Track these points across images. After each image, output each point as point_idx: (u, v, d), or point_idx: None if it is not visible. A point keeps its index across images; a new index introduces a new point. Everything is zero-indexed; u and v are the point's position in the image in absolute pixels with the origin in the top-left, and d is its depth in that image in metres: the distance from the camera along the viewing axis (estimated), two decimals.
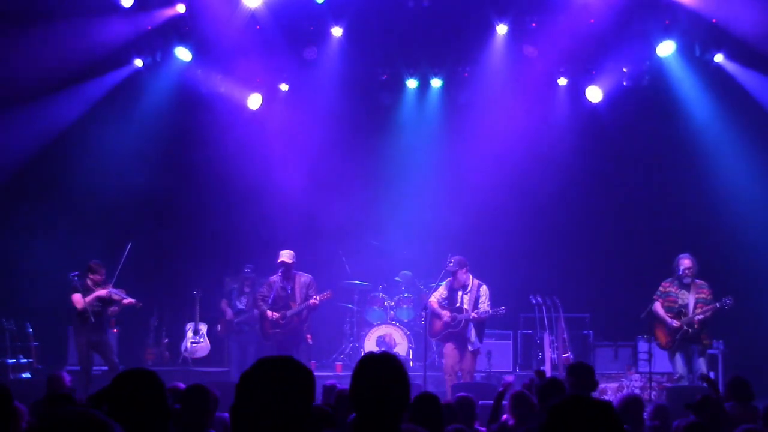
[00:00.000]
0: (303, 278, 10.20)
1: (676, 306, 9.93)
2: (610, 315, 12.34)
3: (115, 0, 11.65)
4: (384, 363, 3.02)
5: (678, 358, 9.91)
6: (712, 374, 10.41)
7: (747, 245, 12.15)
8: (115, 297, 10.36)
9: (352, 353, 12.70)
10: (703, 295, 9.89)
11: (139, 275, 11.60)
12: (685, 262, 9.97)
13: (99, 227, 12.62)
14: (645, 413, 5.62)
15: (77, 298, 10.15)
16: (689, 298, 9.89)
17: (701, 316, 9.72)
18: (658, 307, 10.03)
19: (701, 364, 9.81)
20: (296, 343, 10.10)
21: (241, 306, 12.11)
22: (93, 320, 10.13)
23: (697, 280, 9.97)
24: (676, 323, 9.85)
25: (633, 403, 5.45)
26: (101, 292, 10.25)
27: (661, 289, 10.08)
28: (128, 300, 10.43)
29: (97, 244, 12.06)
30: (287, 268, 10.15)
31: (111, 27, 11.84)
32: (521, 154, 13.20)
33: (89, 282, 10.35)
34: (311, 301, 9.96)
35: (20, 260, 12.33)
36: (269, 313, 10.03)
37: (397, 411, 2.96)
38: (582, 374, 5.99)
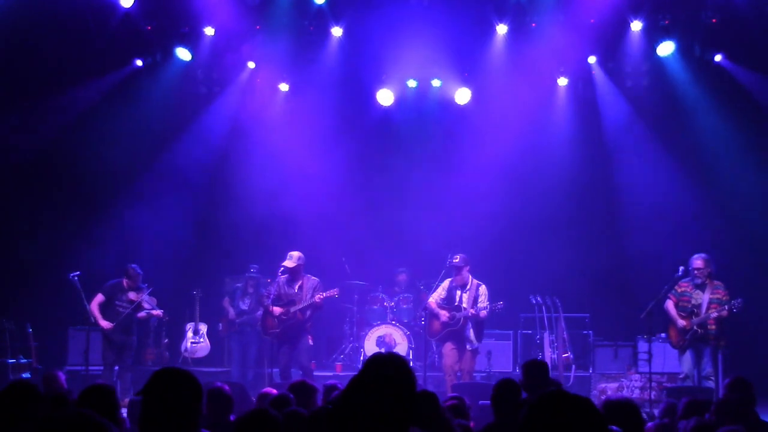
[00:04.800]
0: (311, 282, 10.17)
1: (689, 306, 9.91)
2: (610, 315, 12.33)
3: (114, 0, 11.67)
4: (391, 363, 3.01)
5: (687, 357, 9.88)
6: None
7: (747, 244, 12.14)
8: (145, 305, 10.94)
9: (352, 353, 12.69)
10: (718, 296, 9.84)
11: None
12: (697, 263, 9.93)
13: (99, 228, 12.62)
14: (656, 411, 5.56)
15: (96, 299, 10.81)
16: (703, 299, 9.85)
17: (716, 314, 9.69)
18: (670, 305, 10.01)
19: (709, 365, 9.78)
20: (296, 341, 10.07)
21: (244, 307, 12.10)
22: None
23: (714, 281, 9.93)
24: (682, 323, 9.83)
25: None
26: (132, 297, 10.88)
27: (677, 288, 10.06)
28: (156, 312, 11.13)
29: (98, 245, 12.07)
30: (291, 273, 10.13)
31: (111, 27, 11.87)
32: (521, 154, 13.20)
33: (125, 284, 10.92)
34: (316, 297, 9.95)
35: (20, 260, 12.33)
36: (272, 307, 10.04)
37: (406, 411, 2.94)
38: (535, 373, 5.96)
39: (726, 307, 9.66)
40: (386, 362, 3.00)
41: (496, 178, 13.16)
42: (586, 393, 10.77)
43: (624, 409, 4.23)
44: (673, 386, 9.49)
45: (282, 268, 10.17)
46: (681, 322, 9.85)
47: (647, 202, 12.97)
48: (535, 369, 6.07)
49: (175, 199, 13.31)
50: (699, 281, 9.89)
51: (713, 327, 9.77)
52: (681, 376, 10.01)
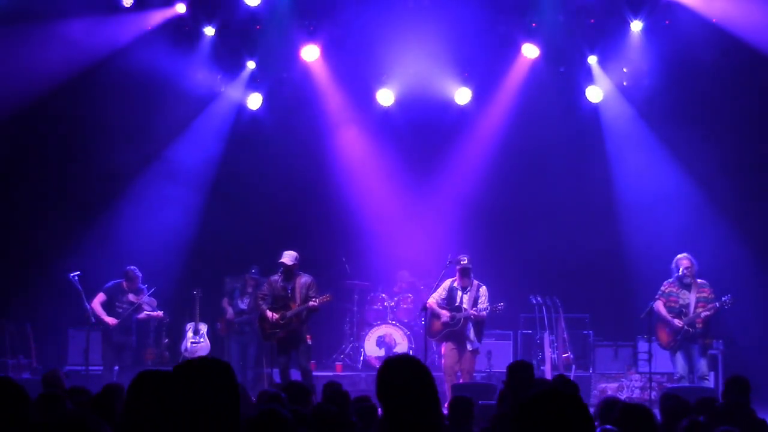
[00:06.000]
0: (303, 279, 10.12)
1: (677, 306, 9.92)
2: (610, 315, 12.34)
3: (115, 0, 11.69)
4: (410, 365, 3.04)
5: (679, 357, 9.89)
6: (712, 374, 10.42)
7: (747, 244, 12.14)
8: (145, 307, 11.01)
9: (352, 353, 12.69)
10: (705, 294, 9.88)
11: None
12: (684, 263, 9.95)
13: (99, 228, 12.61)
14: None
15: (97, 298, 10.81)
16: (690, 298, 9.89)
17: (706, 313, 9.72)
18: (660, 306, 10.01)
19: (702, 365, 9.80)
20: (296, 344, 10.06)
21: (243, 306, 12.09)
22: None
23: (698, 280, 9.96)
24: (678, 323, 9.85)
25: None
26: (132, 299, 10.93)
27: (663, 289, 10.07)
28: (155, 313, 11.17)
29: (98, 245, 12.07)
30: (287, 270, 10.09)
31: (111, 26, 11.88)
32: (520, 155, 13.20)
33: (124, 285, 10.92)
34: (311, 303, 9.90)
35: (20, 260, 12.33)
36: (269, 313, 10.00)
37: (428, 411, 2.96)
38: (520, 374, 5.96)
39: (717, 304, 9.69)
40: (402, 364, 3.03)
41: (496, 177, 13.16)
42: (586, 393, 10.78)
43: (639, 415, 4.25)
44: (673, 387, 9.50)
45: (281, 265, 10.14)
46: (677, 322, 9.86)
47: (647, 202, 12.95)
48: (520, 370, 6.02)
49: (175, 199, 13.30)
50: (688, 280, 9.92)
51: (700, 326, 9.81)
52: (676, 377, 10.02)
